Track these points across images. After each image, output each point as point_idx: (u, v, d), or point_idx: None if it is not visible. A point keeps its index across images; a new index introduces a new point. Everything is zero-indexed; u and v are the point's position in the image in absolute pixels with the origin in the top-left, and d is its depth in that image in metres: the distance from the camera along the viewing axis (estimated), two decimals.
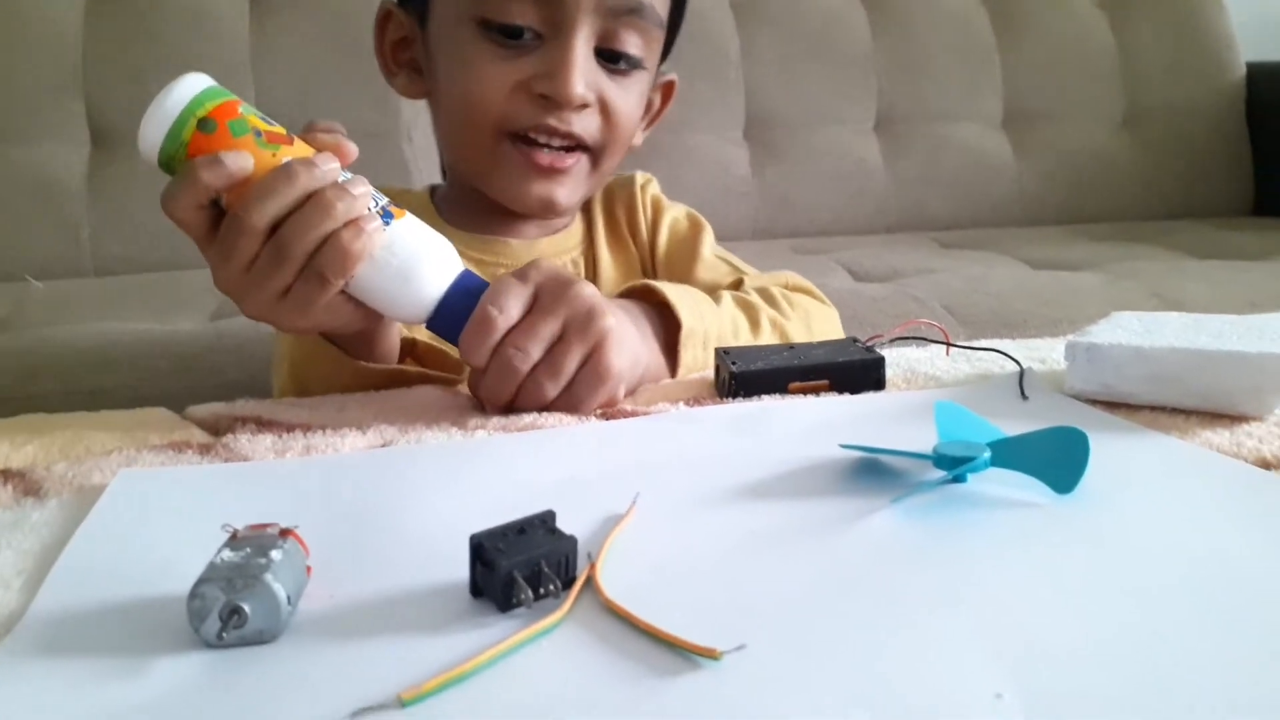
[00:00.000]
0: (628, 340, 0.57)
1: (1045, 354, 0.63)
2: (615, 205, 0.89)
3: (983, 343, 0.64)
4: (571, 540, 0.33)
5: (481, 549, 0.32)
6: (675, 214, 0.89)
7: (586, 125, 0.72)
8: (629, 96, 0.75)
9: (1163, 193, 2.00)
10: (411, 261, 0.53)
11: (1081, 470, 0.39)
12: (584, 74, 0.70)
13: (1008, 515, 0.38)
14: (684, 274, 0.83)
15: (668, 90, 0.86)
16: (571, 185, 0.75)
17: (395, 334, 0.63)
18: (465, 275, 0.54)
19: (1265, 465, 0.43)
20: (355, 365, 0.60)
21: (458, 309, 0.53)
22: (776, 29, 1.94)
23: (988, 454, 0.40)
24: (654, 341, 0.64)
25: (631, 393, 0.58)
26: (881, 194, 1.92)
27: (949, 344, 0.63)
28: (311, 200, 0.51)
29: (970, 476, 0.41)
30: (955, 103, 1.98)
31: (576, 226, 0.87)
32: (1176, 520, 0.37)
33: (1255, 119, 2.06)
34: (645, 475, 0.43)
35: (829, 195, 1.91)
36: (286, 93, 1.72)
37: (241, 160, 0.51)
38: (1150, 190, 2.00)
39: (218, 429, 0.54)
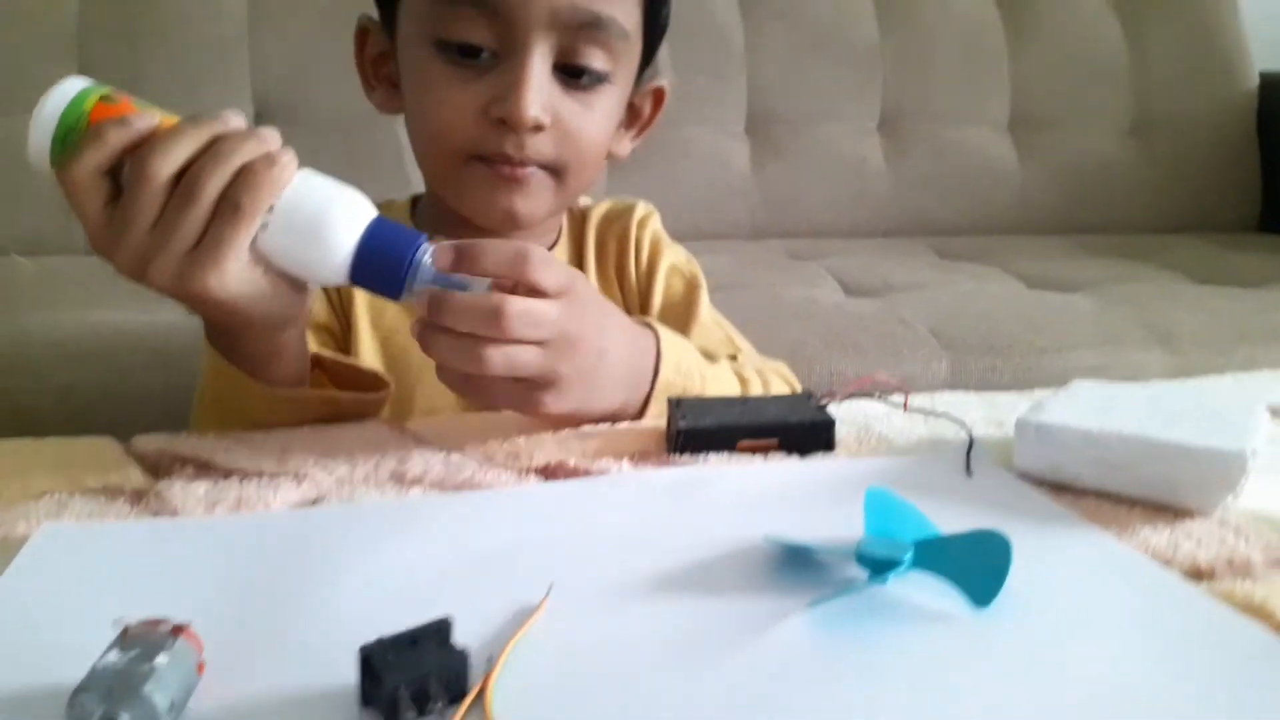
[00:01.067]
0: (595, 394, 0.58)
1: (1006, 414, 0.62)
2: (608, 237, 0.87)
3: (944, 398, 0.63)
4: (462, 656, 0.33)
5: (370, 661, 0.32)
6: (674, 260, 0.87)
7: (541, 148, 0.71)
8: (592, 114, 0.73)
9: (1168, 205, 1.98)
10: (324, 206, 0.50)
11: (1000, 583, 0.38)
12: (539, 95, 0.68)
13: (921, 630, 0.37)
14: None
15: (658, 97, 0.84)
16: (531, 197, 0.73)
17: (301, 345, 0.61)
18: (381, 221, 0.52)
19: (1198, 573, 0.42)
20: (271, 393, 0.58)
21: (381, 258, 0.51)
22: (783, 22, 1.91)
23: (910, 555, 0.40)
24: (642, 384, 0.63)
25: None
26: (882, 196, 1.90)
27: (905, 407, 0.62)
28: (220, 138, 0.49)
29: (893, 577, 0.40)
30: (961, 104, 1.95)
31: (560, 252, 0.85)
32: (1088, 643, 0.37)
33: (1266, 131, 2.03)
34: (568, 555, 0.43)
35: (829, 195, 1.89)
36: (282, 69, 1.71)
37: (149, 118, 0.50)
38: (1155, 202, 1.98)
39: (158, 468, 0.54)
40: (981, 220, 1.91)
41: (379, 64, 0.79)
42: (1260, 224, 2.03)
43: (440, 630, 0.34)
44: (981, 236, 1.85)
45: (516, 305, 0.51)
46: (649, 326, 0.65)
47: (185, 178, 0.49)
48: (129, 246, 0.49)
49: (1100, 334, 1.19)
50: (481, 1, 0.67)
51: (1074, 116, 1.99)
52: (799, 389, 0.81)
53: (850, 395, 0.61)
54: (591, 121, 0.73)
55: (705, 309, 0.85)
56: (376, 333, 0.77)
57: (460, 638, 0.35)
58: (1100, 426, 0.49)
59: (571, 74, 0.71)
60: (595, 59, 0.71)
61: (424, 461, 0.54)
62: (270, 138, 0.50)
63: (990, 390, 0.71)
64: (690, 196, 1.85)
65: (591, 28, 0.69)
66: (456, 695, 0.32)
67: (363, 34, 0.79)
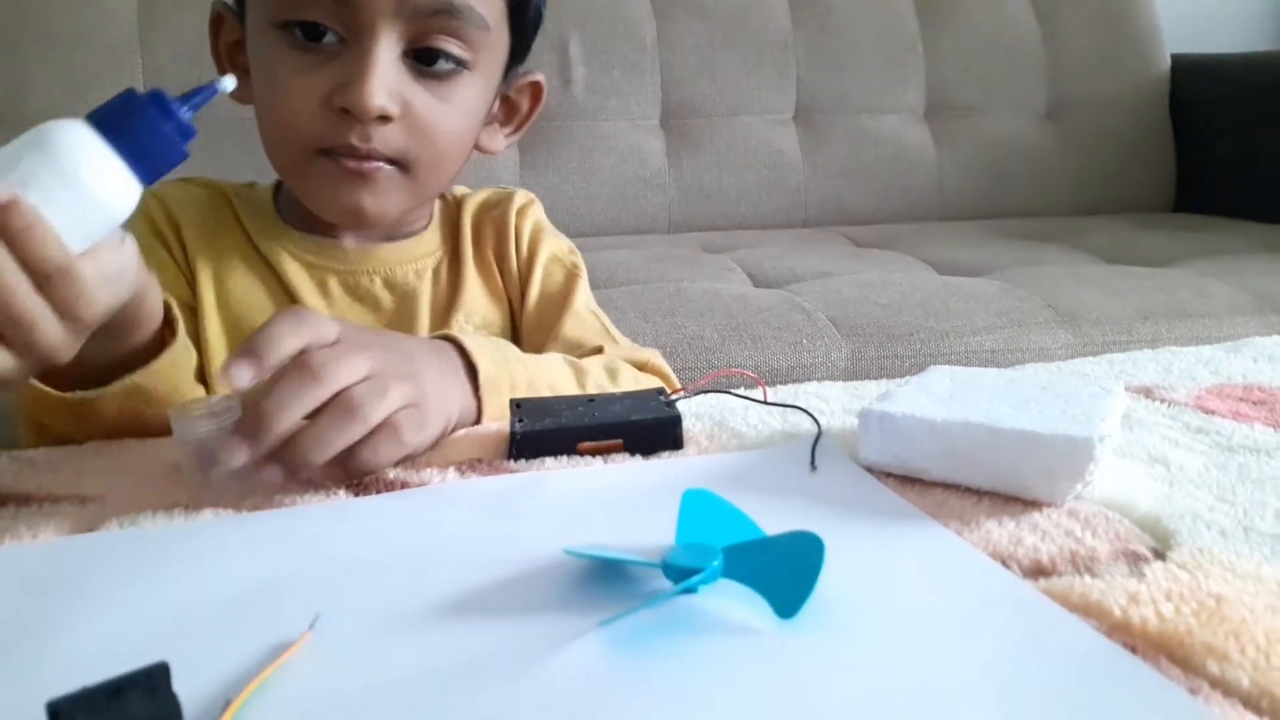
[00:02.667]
0: (429, 413, 0.52)
1: None
2: (485, 224, 0.84)
3: (809, 389, 0.60)
4: (175, 706, 0.29)
5: (58, 719, 0.28)
6: (554, 250, 0.84)
7: (390, 140, 0.67)
8: (448, 106, 0.69)
9: (1084, 188, 1.98)
10: (66, 167, 0.42)
11: (807, 592, 0.35)
12: (384, 83, 0.64)
13: (717, 646, 0.34)
14: (550, 326, 0.79)
15: (536, 91, 0.81)
16: (380, 194, 0.69)
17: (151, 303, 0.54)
18: (93, 117, 0.44)
19: (1039, 570, 0.39)
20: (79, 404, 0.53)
21: (138, 137, 0.44)
22: (694, 14, 1.88)
23: (718, 562, 0.36)
24: (467, 385, 0.59)
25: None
26: (799, 187, 1.88)
27: (748, 399, 0.59)
28: None
29: (703, 588, 0.37)
30: (877, 93, 1.94)
31: (431, 236, 0.81)
32: (903, 653, 0.33)
33: (1179, 113, 2.04)
34: (353, 579, 0.38)
35: (746, 188, 1.87)
36: (174, 73, 1.65)
37: None
38: (1072, 185, 1.98)
39: None
40: (900, 209, 1.90)
41: (234, 52, 0.75)
42: (1175, 204, 2.04)
43: (151, 677, 0.29)
44: (899, 224, 1.84)
45: (315, 357, 0.47)
46: (442, 337, 0.61)
47: None
48: None
49: (1003, 317, 1.17)
50: None
51: (990, 102, 1.98)
52: (673, 379, 0.78)
53: (702, 390, 0.57)
54: (447, 113, 0.69)
55: (582, 299, 0.82)
56: (222, 313, 0.73)
57: (205, 680, 0.32)
58: (944, 415, 0.46)
59: (425, 61, 0.67)
60: (450, 46, 0.68)
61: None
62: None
63: (891, 378, 0.67)
64: (608, 191, 1.82)
65: (445, 15, 0.66)
66: None
67: (218, 21, 0.75)
